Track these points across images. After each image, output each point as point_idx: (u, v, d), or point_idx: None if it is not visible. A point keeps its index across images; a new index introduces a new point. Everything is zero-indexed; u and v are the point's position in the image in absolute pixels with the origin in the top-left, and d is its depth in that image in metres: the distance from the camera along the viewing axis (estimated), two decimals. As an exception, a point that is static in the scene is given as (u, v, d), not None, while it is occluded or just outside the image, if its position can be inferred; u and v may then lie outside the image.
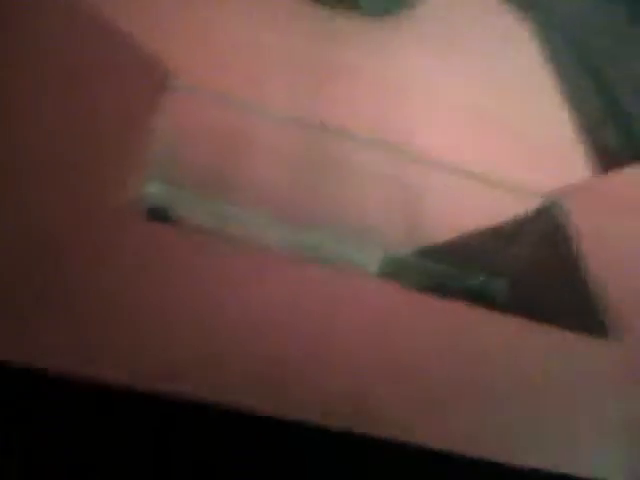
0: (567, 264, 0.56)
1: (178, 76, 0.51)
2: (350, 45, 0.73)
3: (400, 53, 0.75)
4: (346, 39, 0.74)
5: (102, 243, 0.39)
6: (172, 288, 0.38)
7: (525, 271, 0.60)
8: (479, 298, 0.58)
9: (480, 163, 0.64)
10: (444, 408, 0.39)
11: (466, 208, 0.63)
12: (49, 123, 0.44)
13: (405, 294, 0.45)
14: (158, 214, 0.49)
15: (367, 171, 0.61)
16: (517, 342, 0.46)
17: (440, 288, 0.57)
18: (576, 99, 0.79)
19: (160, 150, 0.48)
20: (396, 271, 0.58)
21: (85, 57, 0.49)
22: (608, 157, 0.74)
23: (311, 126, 0.59)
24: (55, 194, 0.41)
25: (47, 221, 0.39)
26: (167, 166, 0.51)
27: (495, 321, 0.47)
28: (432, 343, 0.42)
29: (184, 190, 0.52)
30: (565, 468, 0.39)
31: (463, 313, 0.46)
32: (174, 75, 0.51)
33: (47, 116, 0.45)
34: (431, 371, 0.40)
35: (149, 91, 0.49)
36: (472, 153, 0.65)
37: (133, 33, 0.51)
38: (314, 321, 0.40)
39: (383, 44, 0.76)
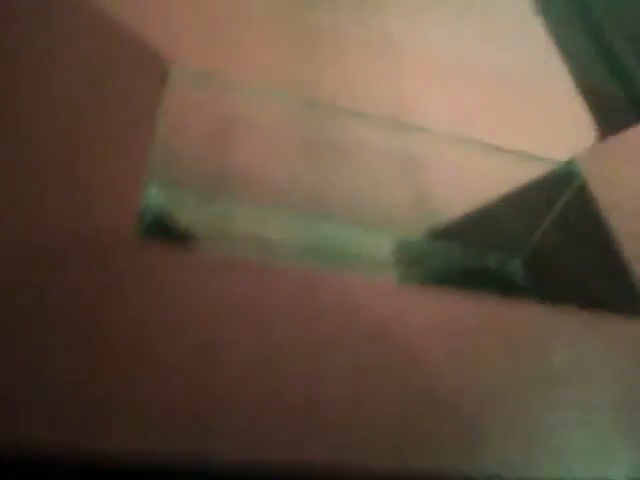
0: (595, 236, 0.53)
1: (173, 61, 0.47)
2: (337, 6, 0.70)
3: (387, 12, 0.71)
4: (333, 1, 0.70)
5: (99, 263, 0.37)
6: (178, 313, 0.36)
7: (546, 245, 0.58)
8: (496, 279, 0.56)
9: (486, 130, 0.62)
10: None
11: (477, 179, 0.61)
12: (48, 124, 0.42)
13: (422, 294, 0.43)
14: (160, 222, 0.47)
15: (370, 149, 0.58)
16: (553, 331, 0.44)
17: (456, 272, 0.56)
18: (575, 54, 0.76)
19: (159, 149, 0.46)
20: (411, 257, 0.56)
21: (83, 50, 0.46)
22: (610, 111, 0.71)
23: (309, 105, 0.56)
24: (54, 200, 0.39)
25: (47, 229, 0.37)
26: (167, 166, 0.48)
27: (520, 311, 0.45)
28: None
29: (186, 192, 0.49)
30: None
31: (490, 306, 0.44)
32: (170, 61, 0.47)
33: (46, 116, 0.42)
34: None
35: (148, 84, 0.46)
36: (476, 119, 0.62)
37: (121, 18, 0.48)
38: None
39: (369, 3, 0.72)
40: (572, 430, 0.38)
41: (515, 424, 0.38)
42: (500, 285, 0.56)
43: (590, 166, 0.58)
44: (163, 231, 0.47)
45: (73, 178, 0.40)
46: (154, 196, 0.47)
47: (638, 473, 0.37)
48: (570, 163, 0.58)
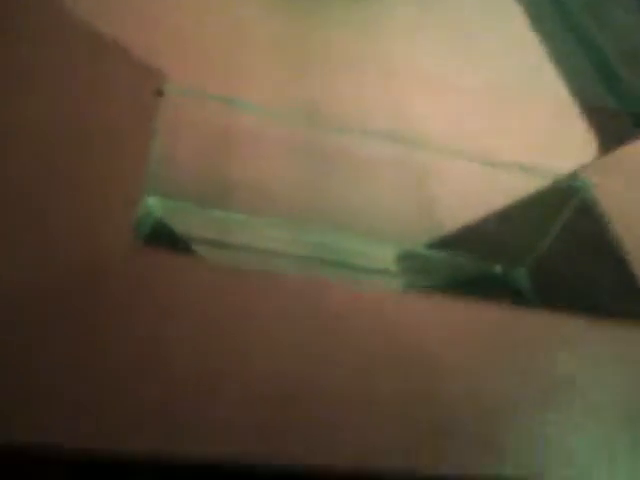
0: (601, 246, 0.53)
1: (168, 78, 0.48)
2: (334, 23, 0.70)
3: (386, 30, 0.71)
4: (328, 16, 0.71)
5: (102, 271, 0.36)
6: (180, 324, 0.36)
7: (551, 256, 0.57)
8: (501, 287, 0.55)
9: (488, 144, 0.62)
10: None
11: (480, 191, 0.60)
12: (38, 141, 0.42)
13: (427, 300, 0.43)
14: (160, 232, 0.46)
15: (372, 161, 0.58)
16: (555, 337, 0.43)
17: (461, 280, 0.55)
18: (571, 68, 0.76)
19: (156, 161, 0.45)
20: (413, 266, 0.55)
21: (73, 67, 0.46)
22: (607, 123, 0.71)
23: (309, 119, 0.56)
24: (50, 216, 0.38)
25: (45, 245, 0.36)
26: (165, 177, 0.48)
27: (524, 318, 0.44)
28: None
29: (184, 202, 0.49)
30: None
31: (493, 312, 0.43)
32: (165, 78, 0.48)
33: (35, 133, 0.42)
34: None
35: (143, 100, 0.46)
36: (475, 133, 0.62)
37: (117, 36, 0.48)
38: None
39: (367, 21, 0.72)
40: (579, 434, 0.37)
41: (525, 428, 0.37)
42: (505, 294, 0.55)
43: (595, 178, 0.58)
44: (161, 241, 0.46)
45: (67, 191, 0.40)
46: (152, 207, 0.47)
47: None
48: (573, 176, 0.58)
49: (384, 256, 0.55)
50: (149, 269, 0.37)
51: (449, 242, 0.57)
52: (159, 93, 0.45)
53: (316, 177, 0.57)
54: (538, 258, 0.57)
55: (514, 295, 0.55)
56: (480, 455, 0.36)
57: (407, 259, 0.56)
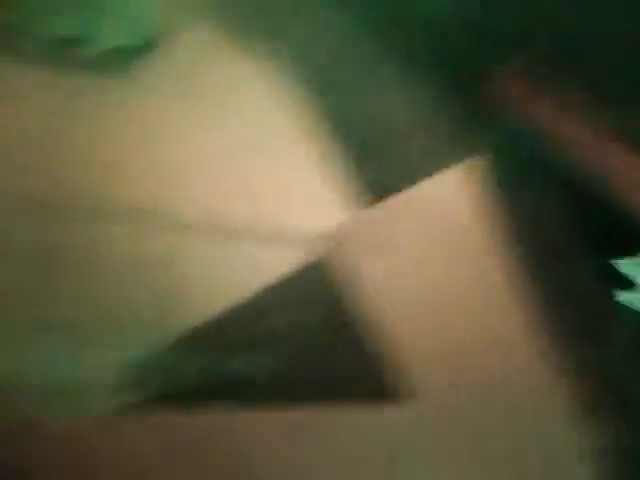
0: (340, 326, 0.52)
1: None
2: (87, 108, 0.66)
3: (137, 109, 0.68)
4: (81, 103, 0.67)
5: None
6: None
7: (291, 340, 0.55)
8: (240, 382, 0.52)
9: (233, 217, 0.60)
10: None
11: (224, 273, 0.57)
12: None
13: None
14: None
15: (103, 253, 0.54)
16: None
17: (199, 380, 0.51)
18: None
19: None
20: (140, 377, 0.50)
21: None
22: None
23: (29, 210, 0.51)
24: None
25: None
26: None
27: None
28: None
29: None
30: None
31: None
32: None
33: None
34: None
35: None
36: (219, 207, 0.60)
37: None
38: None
39: (117, 101, 0.69)
40: None
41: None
42: (244, 389, 0.52)
43: (336, 251, 0.57)
44: None
45: None
46: None
47: None
48: (312, 250, 0.57)
49: (105, 370, 0.50)
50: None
51: (191, 340, 0.53)
52: None
53: (38, 278, 0.52)
54: (278, 346, 0.55)
55: (253, 388, 0.52)
56: None
57: (130, 371, 0.51)
